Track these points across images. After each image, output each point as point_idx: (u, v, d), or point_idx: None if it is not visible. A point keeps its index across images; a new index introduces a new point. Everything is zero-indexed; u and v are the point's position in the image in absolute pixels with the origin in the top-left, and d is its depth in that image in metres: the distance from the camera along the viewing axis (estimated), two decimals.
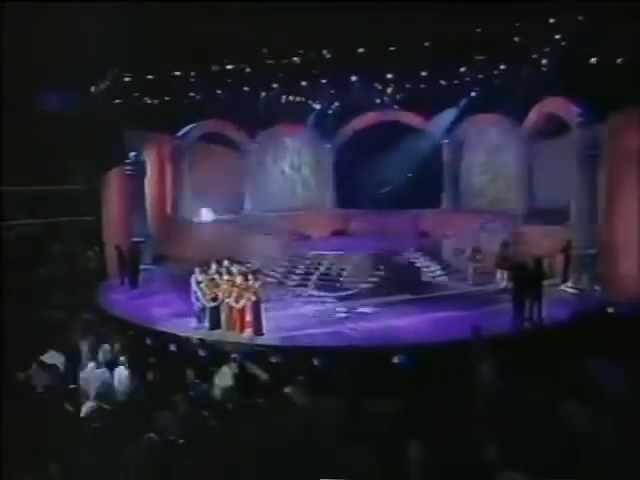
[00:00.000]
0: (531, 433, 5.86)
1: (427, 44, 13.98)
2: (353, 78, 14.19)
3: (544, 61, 15.05)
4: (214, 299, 10.46)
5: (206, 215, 20.15)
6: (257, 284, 10.23)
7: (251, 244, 17.96)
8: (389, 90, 16.25)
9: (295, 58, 12.31)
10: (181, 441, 6.10)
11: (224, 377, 7.22)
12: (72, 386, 8.19)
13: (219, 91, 14.88)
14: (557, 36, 14.89)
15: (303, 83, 14.82)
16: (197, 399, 7.35)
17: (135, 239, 16.77)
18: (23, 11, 11.10)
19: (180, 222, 19.53)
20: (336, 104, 19.55)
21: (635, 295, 11.80)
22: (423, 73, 14.36)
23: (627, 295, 11.86)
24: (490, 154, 20.49)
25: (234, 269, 10.77)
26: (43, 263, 17.46)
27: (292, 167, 23.11)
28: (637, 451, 5.12)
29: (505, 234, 15.47)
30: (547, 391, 7.01)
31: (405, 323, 11.52)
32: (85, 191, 18.14)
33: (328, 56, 11.99)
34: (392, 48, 12.11)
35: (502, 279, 13.29)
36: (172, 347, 9.69)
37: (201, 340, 9.88)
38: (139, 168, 16.72)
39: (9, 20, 10.99)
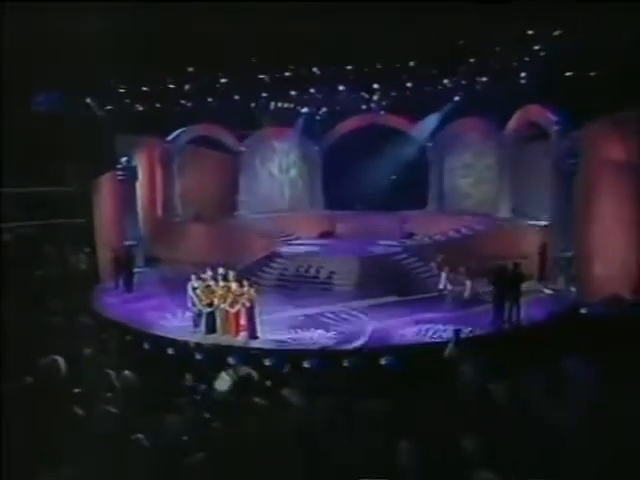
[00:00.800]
0: (509, 429, 6.40)
1: (412, 54, 14.50)
2: (341, 87, 14.77)
3: (523, 73, 15.68)
4: (210, 305, 10.88)
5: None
6: (252, 290, 10.69)
7: (241, 246, 18.37)
8: (375, 97, 16.87)
9: (286, 73, 12.81)
10: (184, 441, 6.54)
11: (223, 382, 7.65)
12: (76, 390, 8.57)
13: (210, 99, 15.34)
14: (536, 47, 15.58)
15: (292, 92, 15.38)
16: (197, 401, 7.78)
17: (128, 242, 17.12)
18: (18, 14, 11.18)
19: (171, 224, 19.85)
20: (324, 109, 20.04)
21: (607, 296, 12.53)
22: (408, 84, 14.92)
23: (600, 296, 12.57)
24: (473, 158, 21.14)
25: (230, 276, 11.21)
26: (39, 265, 17.69)
27: (280, 169, 23.55)
28: (608, 446, 5.62)
29: (467, 244, 16.14)
30: (525, 389, 7.59)
31: (392, 325, 12.05)
32: (78, 194, 18.38)
33: (318, 72, 12.51)
34: (379, 66, 12.64)
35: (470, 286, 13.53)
36: (170, 351, 10.16)
37: (198, 344, 10.32)
38: (131, 173, 17.01)
39: (8, 22, 11.09)
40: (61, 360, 8.91)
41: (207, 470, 5.71)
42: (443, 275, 13.50)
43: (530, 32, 15.47)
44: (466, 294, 13.07)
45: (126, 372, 8.50)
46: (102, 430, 6.63)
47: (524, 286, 12.15)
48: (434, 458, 5.53)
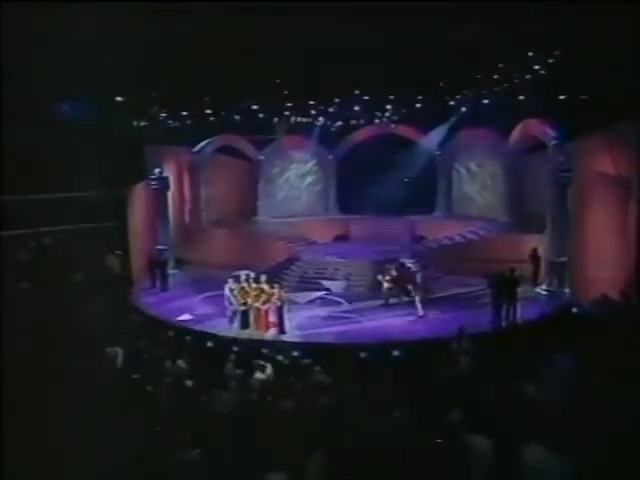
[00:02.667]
0: (501, 409, 7.75)
1: (422, 75, 15.90)
2: (356, 108, 16.30)
3: (524, 89, 17.00)
4: (244, 304, 12.38)
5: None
6: (282, 291, 12.17)
7: (261, 249, 19.79)
8: (387, 114, 18.37)
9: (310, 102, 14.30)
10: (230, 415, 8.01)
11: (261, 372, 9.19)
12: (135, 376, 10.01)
13: (237, 116, 16.95)
14: (536, 67, 16.92)
15: (312, 111, 16.91)
16: (237, 384, 9.27)
17: (160, 246, 18.62)
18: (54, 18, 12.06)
19: (197, 229, 21.31)
20: (339, 123, 21.51)
21: (597, 297, 13.77)
22: (418, 105, 16.36)
23: (591, 297, 13.82)
24: (478, 166, 22.45)
25: (261, 279, 12.69)
26: (77, 267, 19.16)
27: (297, 176, 25.01)
28: (583, 419, 6.91)
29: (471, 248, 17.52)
30: (516, 377, 8.91)
31: (402, 322, 13.44)
32: (113, 201, 19.86)
33: (336, 100, 14.00)
34: (392, 96, 14.09)
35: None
36: (210, 344, 11.62)
37: (234, 338, 11.81)
38: (163, 183, 18.53)
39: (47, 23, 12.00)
40: (120, 351, 10.47)
41: (251, 437, 7.19)
42: (385, 285, 14.62)
43: (531, 54, 16.92)
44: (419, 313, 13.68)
45: (179, 361, 10.07)
46: (168, 404, 8.19)
47: (521, 288, 13.49)
48: (433, 429, 6.93)
